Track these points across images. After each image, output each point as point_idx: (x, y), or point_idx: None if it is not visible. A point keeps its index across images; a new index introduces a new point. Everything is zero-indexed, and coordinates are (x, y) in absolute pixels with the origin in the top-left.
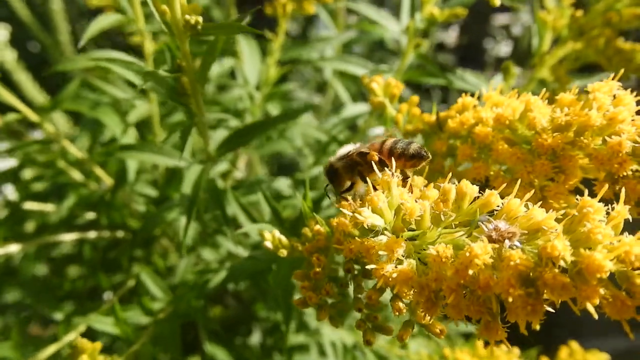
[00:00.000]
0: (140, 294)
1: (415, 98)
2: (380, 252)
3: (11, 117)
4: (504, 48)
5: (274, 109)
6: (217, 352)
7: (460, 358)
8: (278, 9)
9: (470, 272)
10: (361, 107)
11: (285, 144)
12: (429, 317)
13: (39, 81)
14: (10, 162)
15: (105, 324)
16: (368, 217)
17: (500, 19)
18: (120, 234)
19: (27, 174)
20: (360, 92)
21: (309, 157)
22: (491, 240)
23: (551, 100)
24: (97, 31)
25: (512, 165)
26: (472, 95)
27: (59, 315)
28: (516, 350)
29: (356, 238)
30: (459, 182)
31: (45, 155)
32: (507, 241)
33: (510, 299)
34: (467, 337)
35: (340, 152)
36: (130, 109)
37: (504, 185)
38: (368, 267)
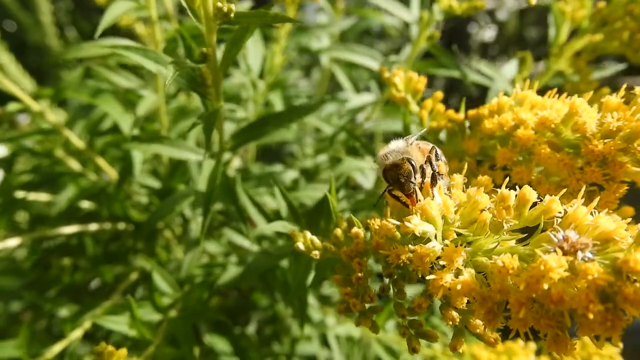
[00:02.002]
0: (152, 290)
1: (439, 94)
2: (441, 262)
3: (13, 107)
4: (488, 33)
5: (276, 99)
6: (216, 342)
7: (476, 353)
8: None
9: (545, 286)
10: (366, 98)
11: (287, 133)
12: (489, 329)
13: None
14: (2, 150)
15: (119, 323)
16: (418, 225)
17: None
18: (121, 225)
19: (21, 162)
20: (360, 80)
21: (308, 146)
22: (563, 251)
23: (561, 90)
24: (112, 20)
25: (557, 171)
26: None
27: (63, 312)
28: (532, 345)
29: (408, 246)
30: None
31: (42, 145)
32: (579, 252)
33: (591, 315)
34: None
35: (393, 150)
36: (137, 100)
37: (549, 191)
38: (428, 277)
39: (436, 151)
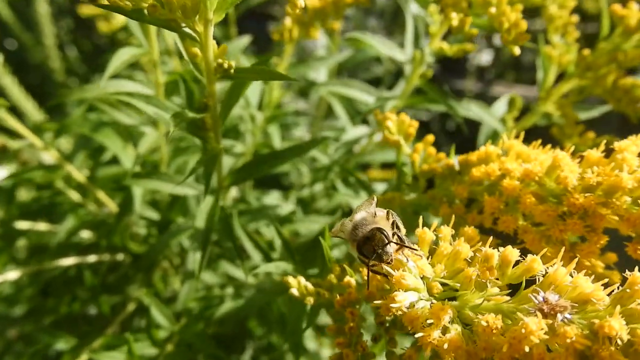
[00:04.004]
0: (149, 325)
1: (431, 137)
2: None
3: (17, 144)
4: (485, 57)
5: (274, 131)
6: None
7: None
8: (285, 34)
9: (526, 348)
10: (361, 130)
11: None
12: None
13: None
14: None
15: (116, 359)
16: (404, 300)
17: None
18: (120, 257)
19: (22, 193)
20: (358, 110)
21: (305, 176)
22: (543, 313)
23: (548, 140)
24: (119, 67)
25: (542, 220)
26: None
27: (61, 344)
28: None
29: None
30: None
31: (43, 177)
32: (559, 315)
33: None
34: None
35: (360, 224)
36: (139, 137)
37: (534, 241)
38: (416, 336)
39: (393, 215)
